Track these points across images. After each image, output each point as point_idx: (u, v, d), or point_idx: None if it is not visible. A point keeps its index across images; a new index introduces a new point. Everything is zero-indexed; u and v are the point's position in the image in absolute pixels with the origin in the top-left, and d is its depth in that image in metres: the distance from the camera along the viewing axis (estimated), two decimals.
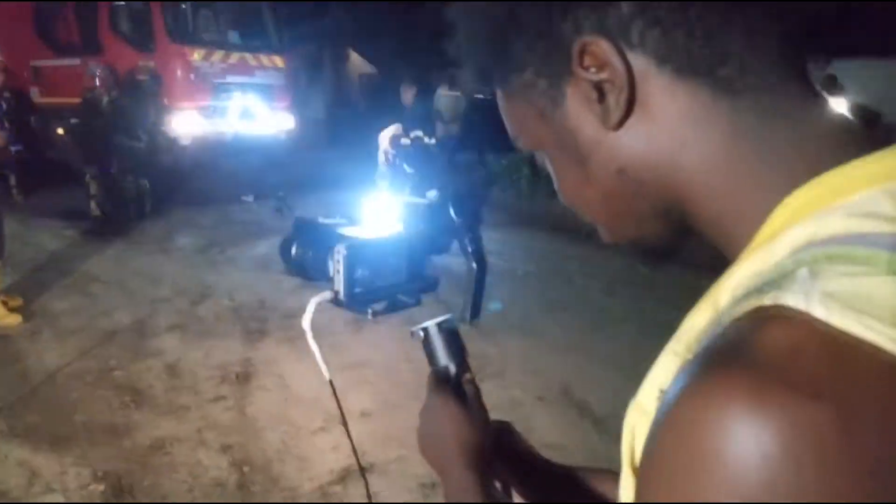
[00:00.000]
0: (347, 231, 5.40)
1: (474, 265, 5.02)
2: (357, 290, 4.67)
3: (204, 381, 4.00)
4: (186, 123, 8.93)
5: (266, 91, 9.82)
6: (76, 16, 9.66)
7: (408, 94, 7.18)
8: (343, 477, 3.09)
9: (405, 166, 6.29)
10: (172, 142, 8.93)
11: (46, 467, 3.05)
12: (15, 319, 4.64)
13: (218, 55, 9.36)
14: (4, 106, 7.93)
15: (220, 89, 9.22)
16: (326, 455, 3.26)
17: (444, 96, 8.97)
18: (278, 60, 10.17)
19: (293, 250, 5.69)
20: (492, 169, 10.53)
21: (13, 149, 7.76)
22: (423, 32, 12.00)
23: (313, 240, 5.53)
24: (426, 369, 0.87)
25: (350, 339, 4.66)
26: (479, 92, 0.76)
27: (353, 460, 3.11)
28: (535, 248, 7.33)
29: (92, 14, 9.38)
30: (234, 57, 9.57)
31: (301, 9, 13.14)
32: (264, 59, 9.95)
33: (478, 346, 4.38)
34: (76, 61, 9.32)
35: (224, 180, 8.94)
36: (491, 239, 6.77)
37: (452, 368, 0.85)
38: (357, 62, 16.99)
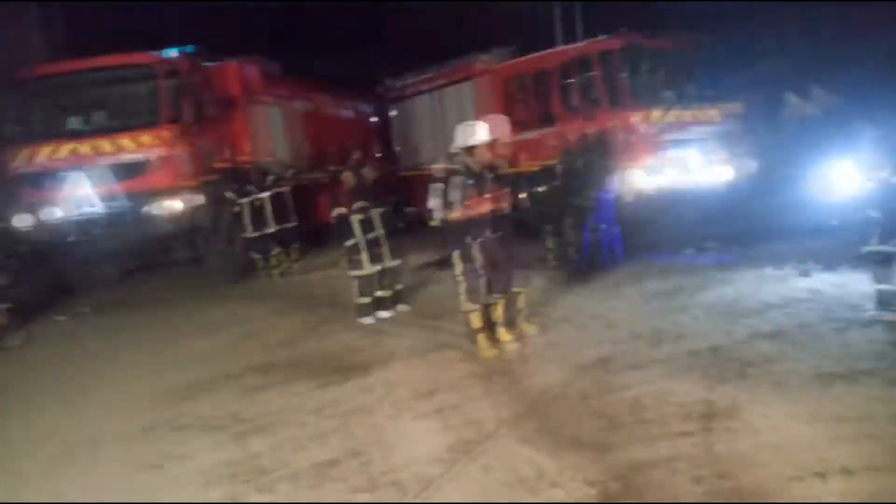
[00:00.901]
0: None
1: None
2: None
3: (669, 416, 4.25)
4: (637, 179, 9.57)
5: (719, 140, 9.93)
6: (537, 96, 11.25)
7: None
8: None
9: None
10: (626, 196, 9.63)
11: (549, 467, 3.66)
12: (513, 343, 5.71)
13: (664, 112, 9.84)
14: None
15: (669, 144, 9.65)
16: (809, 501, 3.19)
17: None
18: (729, 108, 10.21)
19: None
20: None
21: None
22: None
23: None
24: None
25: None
26: None
27: None
28: None
29: (546, 93, 10.85)
30: (684, 111, 9.93)
31: (759, 53, 12.90)
32: (711, 110, 10.12)
33: None
34: (535, 134, 10.84)
35: (675, 231, 9.29)
36: None
37: None
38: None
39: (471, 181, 5.48)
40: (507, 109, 11.96)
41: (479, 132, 5.52)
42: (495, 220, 5.65)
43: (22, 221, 9.21)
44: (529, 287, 6.04)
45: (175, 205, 9.26)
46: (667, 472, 3.57)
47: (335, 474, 3.77)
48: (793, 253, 8.03)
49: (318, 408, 4.79)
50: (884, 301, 5.76)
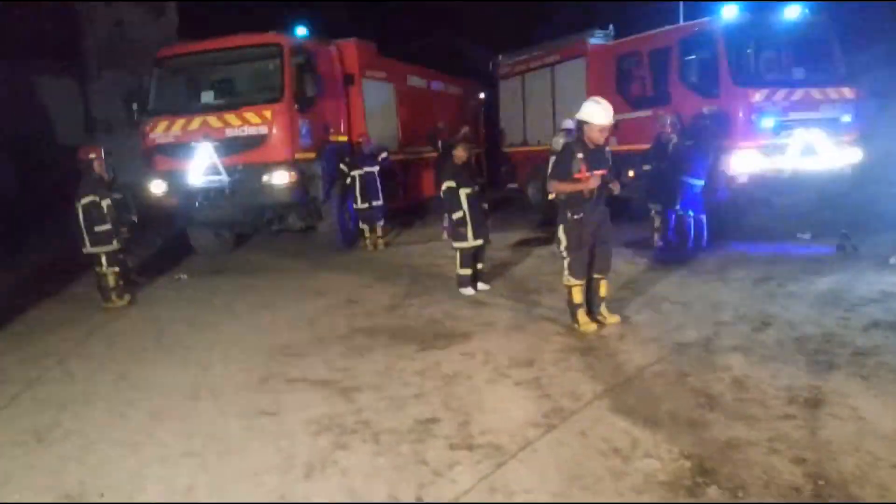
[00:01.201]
0: None
1: None
2: None
3: (771, 398, 4.19)
4: (745, 162, 9.24)
5: (831, 125, 9.45)
6: (650, 74, 11.02)
7: None
8: None
9: None
10: (731, 180, 9.35)
11: (644, 439, 3.72)
12: (608, 331, 5.69)
13: (781, 93, 9.45)
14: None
15: (781, 126, 9.27)
16: None
17: None
18: (846, 92, 9.68)
19: None
20: None
21: None
22: None
23: None
24: None
25: None
26: None
27: None
28: None
29: (664, 70, 10.59)
30: (798, 93, 9.51)
31: (875, 32, 12.15)
32: (831, 91, 9.60)
33: None
34: (648, 112, 10.63)
35: (780, 217, 8.92)
36: None
37: None
38: None
39: (582, 155, 5.51)
40: (620, 87, 11.78)
41: (605, 113, 5.50)
42: (600, 197, 5.66)
43: (156, 188, 10.00)
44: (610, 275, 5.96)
45: (291, 175, 9.77)
46: (766, 451, 3.55)
47: (436, 430, 3.98)
48: None
49: (422, 370, 5.02)
50: None
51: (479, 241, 7.25)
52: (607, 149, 5.78)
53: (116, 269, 7.84)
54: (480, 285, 7.40)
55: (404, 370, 5.05)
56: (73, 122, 17.94)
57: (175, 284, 9.23)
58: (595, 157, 5.57)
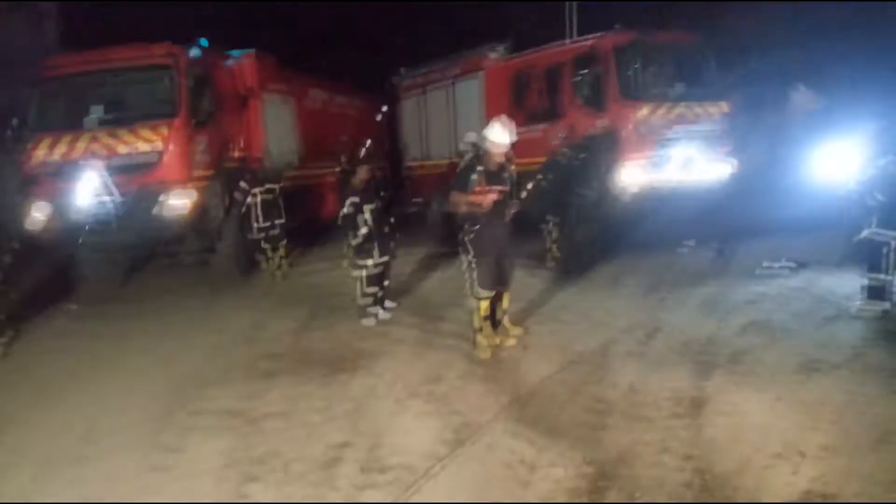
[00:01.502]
0: None
1: None
2: None
3: (662, 400, 4.51)
4: (633, 175, 9.78)
5: (708, 138, 10.16)
6: (546, 89, 11.44)
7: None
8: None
9: (875, 195, 5.91)
10: (620, 192, 9.85)
11: (548, 448, 3.91)
12: (512, 342, 5.89)
13: (663, 108, 10.07)
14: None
15: (664, 140, 9.88)
16: (786, 478, 3.44)
17: None
18: (721, 107, 10.44)
19: None
20: None
21: None
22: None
23: None
24: None
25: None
26: None
27: (812, 487, 3.27)
28: None
29: (557, 86, 11.05)
30: (679, 108, 10.16)
31: (744, 51, 13.19)
32: (708, 106, 10.33)
33: None
34: (543, 127, 11.05)
35: (666, 227, 9.50)
36: None
37: None
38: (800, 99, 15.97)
39: (481, 172, 5.67)
40: (516, 102, 12.17)
41: (502, 133, 5.68)
42: (498, 213, 5.81)
43: (39, 211, 9.42)
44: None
45: (187, 197, 9.46)
46: (658, 451, 3.82)
47: (347, 455, 4.01)
48: (786, 248, 8.28)
49: (330, 394, 5.02)
50: (873, 293, 6.00)
51: (385, 258, 7.27)
52: (511, 167, 5.97)
53: None
54: (387, 303, 7.40)
55: (313, 395, 5.03)
56: None
57: (65, 315, 8.74)
58: (494, 175, 5.73)
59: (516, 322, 6.22)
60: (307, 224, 12.16)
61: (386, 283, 7.47)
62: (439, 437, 4.16)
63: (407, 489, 3.58)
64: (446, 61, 14.26)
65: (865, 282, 6.04)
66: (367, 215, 7.14)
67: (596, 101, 10.27)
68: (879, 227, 5.92)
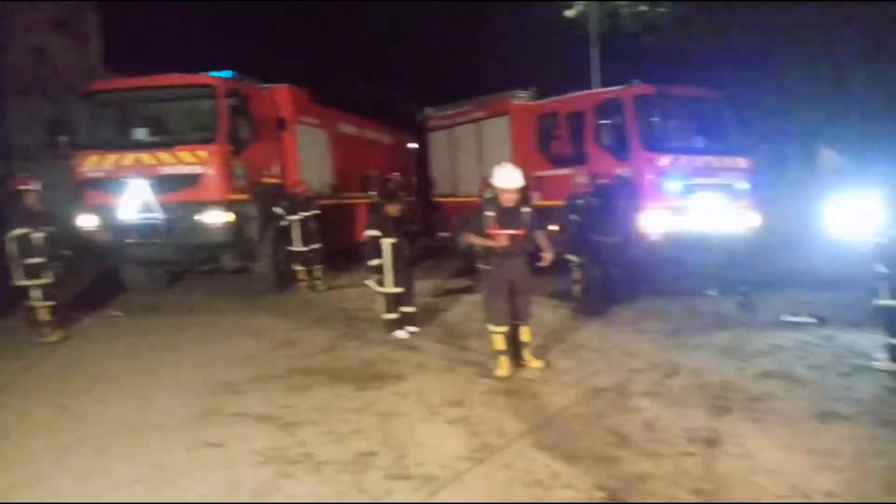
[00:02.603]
0: None
1: None
2: None
3: (675, 437, 4.68)
4: (656, 221, 10.02)
5: (730, 190, 10.39)
6: (569, 134, 11.79)
7: None
8: None
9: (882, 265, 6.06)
10: (643, 238, 10.07)
11: (563, 472, 4.12)
12: (531, 374, 6.13)
13: (684, 159, 10.34)
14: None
15: (686, 190, 10.13)
16: None
17: None
18: (741, 161, 10.70)
19: None
20: None
21: None
22: None
23: None
24: None
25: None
26: None
27: None
28: None
29: (581, 132, 11.39)
30: (700, 160, 10.44)
31: (766, 110, 13.50)
32: (728, 160, 10.60)
33: None
34: (566, 171, 11.37)
35: (689, 274, 9.69)
36: None
37: None
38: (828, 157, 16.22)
39: (493, 213, 6.05)
40: (542, 145, 12.54)
41: (507, 178, 6.09)
42: (513, 252, 6.11)
43: (86, 222, 9.93)
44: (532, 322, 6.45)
45: (224, 216, 9.91)
46: (669, 483, 4.00)
47: (374, 462, 4.27)
48: (809, 300, 8.42)
49: (359, 407, 5.30)
50: (895, 354, 6.08)
51: (400, 290, 7.63)
52: (524, 209, 6.23)
53: (50, 303, 7.75)
54: (409, 328, 7.73)
55: (342, 408, 5.31)
56: None
57: (109, 321, 9.14)
58: (506, 216, 6.08)
59: (537, 356, 6.43)
60: (339, 247, 12.56)
61: (409, 309, 7.79)
62: (459, 453, 4.40)
63: (431, 496, 3.80)
64: (474, 101, 14.73)
65: (889, 340, 6.10)
66: (386, 248, 7.53)
67: (618, 149, 10.59)
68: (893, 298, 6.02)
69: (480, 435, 4.72)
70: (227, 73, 10.57)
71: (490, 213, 6.07)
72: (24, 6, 19.31)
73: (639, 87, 10.57)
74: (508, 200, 6.10)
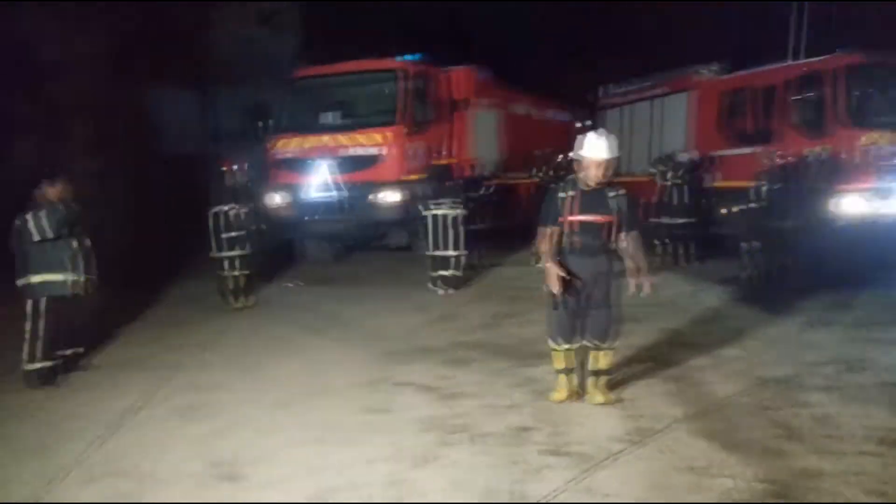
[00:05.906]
0: None
1: None
2: None
3: (849, 435, 4.37)
4: (853, 204, 9.17)
5: None
6: (760, 110, 11.04)
7: None
8: None
9: None
10: (830, 223, 9.26)
11: (720, 461, 4.04)
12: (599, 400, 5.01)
13: (887, 137, 9.33)
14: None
15: (887, 171, 9.16)
16: None
17: None
18: None
19: None
20: None
21: None
22: None
23: None
24: None
25: None
26: None
27: None
28: None
29: (772, 107, 10.63)
30: None
31: None
32: None
33: None
34: (749, 150, 10.70)
35: (889, 263, 8.84)
36: None
37: None
38: None
39: (572, 194, 4.77)
40: (725, 122, 11.90)
41: (597, 146, 4.71)
42: (590, 251, 4.77)
43: (274, 199, 10.99)
44: (616, 346, 5.09)
45: (397, 195, 10.50)
46: (839, 482, 3.79)
47: (529, 437, 4.44)
48: None
49: (516, 384, 5.50)
50: None
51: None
52: (613, 192, 4.81)
53: (245, 272, 8.72)
54: None
55: (500, 383, 5.54)
56: (198, 135, 19.49)
57: (287, 290, 10.10)
58: (590, 199, 4.74)
59: (609, 388, 5.09)
60: (506, 224, 12.83)
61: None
62: (615, 434, 4.45)
63: (583, 473, 3.91)
64: (655, 78, 14.22)
65: None
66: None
67: (816, 126, 9.78)
68: None
69: (635, 418, 4.72)
70: (415, 57, 11.11)
71: (566, 195, 4.77)
72: (234, 4, 21.35)
73: (849, 57, 9.68)
74: (594, 176, 4.70)
